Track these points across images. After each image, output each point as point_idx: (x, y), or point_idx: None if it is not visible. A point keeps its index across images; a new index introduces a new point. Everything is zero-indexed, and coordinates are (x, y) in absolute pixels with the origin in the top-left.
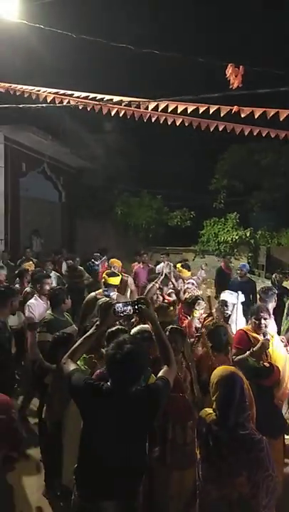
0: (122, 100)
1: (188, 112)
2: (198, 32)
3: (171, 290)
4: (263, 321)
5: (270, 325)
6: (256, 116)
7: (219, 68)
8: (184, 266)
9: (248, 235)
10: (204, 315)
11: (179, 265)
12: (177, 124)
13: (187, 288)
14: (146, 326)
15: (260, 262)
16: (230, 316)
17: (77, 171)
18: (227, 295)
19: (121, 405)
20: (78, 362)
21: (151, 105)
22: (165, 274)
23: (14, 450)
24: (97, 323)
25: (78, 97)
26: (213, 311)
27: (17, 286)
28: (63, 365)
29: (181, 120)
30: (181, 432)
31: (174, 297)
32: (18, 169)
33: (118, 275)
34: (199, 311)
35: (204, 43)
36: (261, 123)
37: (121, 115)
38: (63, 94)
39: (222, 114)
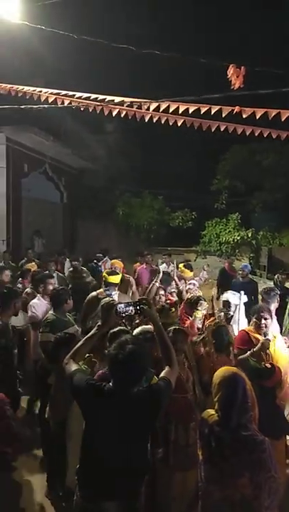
0: (123, 101)
1: (190, 112)
2: (199, 32)
3: (173, 289)
4: (263, 321)
5: (273, 325)
6: (258, 117)
7: (220, 69)
8: (186, 266)
9: (249, 235)
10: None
11: (181, 265)
12: (178, 125)
13: (189, 289)
14: (149, 326)
15: (262, 262)
16: (232, 316)
17: (79, 171)
18: (230, 296)
19: (123, 406)
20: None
21: (153, 106)
22: (168, 273)
23: (9, 446)
24: (99, 323)
25: (80, 98)
26: (216, 311)
27: (19, 286)
28: (65, 365)
29: (182, 121)
30: (184, 433)
31: (176, 297)
32: (20, 170)
33: (118, 273)
34: (201, 312)
35: (205, 44)
36: (263, 123)
37: (122, 116)
38: (65, 95)
39: (223, 115)
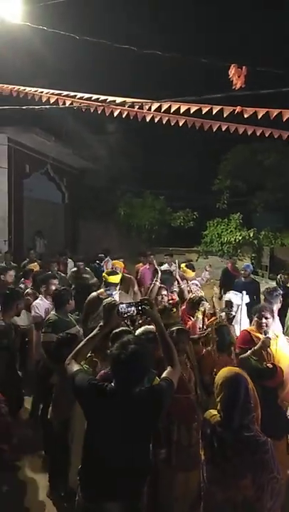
0: (125, 101)
1: (191, 112)
2: (200, 33)
3: (175, 289)
4: (264, 320)
5: (276, 325)
6: (259, 117)
7: (222, 69)
8: (188, 266)
9: (251, 235)
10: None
11: (183, 265)
12: (180, 125)
13: (191, 289)
14: (151, 326)
15: (264, 262)
16: (234, 316)
17: (80, 172)
18: (232, 296)
19: (125, 406)
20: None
21: (154, 106)
22: (170, 273)
23: (5, 443)
24: (101, 324)
25: (81, 99)
26: (217, 310)
27: (21, 286)
28: (67, 365)
29: (184, 121)
30: (186, 433)
31: (177, 297)
32: (22, 170)
33: (118, 273)
34: (201, 312)
35: (207, 44)
36: (264, 123)
37: (124, 116)
38: (66, 96)
39: (225, 115)
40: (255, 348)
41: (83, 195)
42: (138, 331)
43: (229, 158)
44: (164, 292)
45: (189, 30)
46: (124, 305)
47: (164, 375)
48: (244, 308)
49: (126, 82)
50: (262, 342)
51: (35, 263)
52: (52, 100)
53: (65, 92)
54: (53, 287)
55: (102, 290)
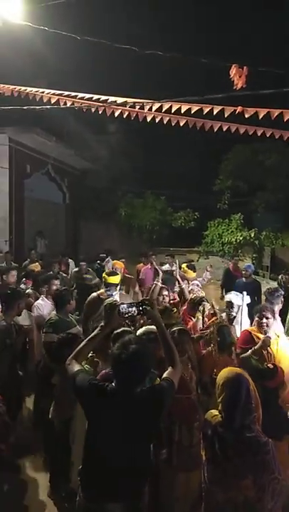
0: (126, 101)
1: (192, 112)
2: (201, 33)
3: (176, 289)
4: (265, 320)
5: (277, 325)
6: (260, 117)
7: (223, 69)
8: (189, 266)
9: (252, 235)
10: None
11: (184, 266)
12: (181, 125)
13: (192, 289)
14: (152, 327)
15: (265, 262)
16: (235, 317)
17: (82, 172)
18: (232, 296)
19: (126, 406)
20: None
21: (155, 106)
22: (171, 273)
23: (2, 442)
24: (102, 324)
25: (82, 99)
26: (216, 310)
27: (22, 287)
28: (68, 366)
29: (185, 121)
30: (188, 433)
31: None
32: (23, 170)
33: (117, 274)
34: (204, 313)
35: (208, 44)
36: (265, 123)
37: (125, 116)
38: (67, 96)
39: (226, 115)
40: (256, 347)
41: (84, 196)
42: (139, 331)
43: (230, 158)
44: (165, 293)
45: (190, 30)
46: (125, 305)
47: (164, 375)
48: (245, 309)
49: (127, 82)
50: (262, 341)
51: (37, 263)
52: (53, 100)
53: (66, 92)
54: (54, 287)
55: (102, 291)
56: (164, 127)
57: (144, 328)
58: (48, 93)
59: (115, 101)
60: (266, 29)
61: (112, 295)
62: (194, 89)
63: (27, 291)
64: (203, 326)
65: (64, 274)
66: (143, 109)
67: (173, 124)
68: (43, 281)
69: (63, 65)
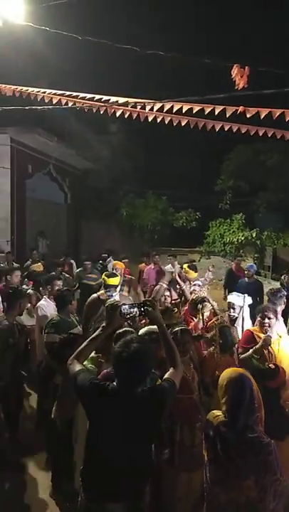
0: (127, 101)
1: (194, 112)
2: (203, 33)
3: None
4: (267, 320)
5: (280, 326)
6: (262, 117)
7: (224, 69)
8: (190, 267)
9: (253, 235)
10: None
11: (185, 266)
12: (182, 125)
13: (194, 290)
14: (155, 327)
15: (266, 263)
16: (236, 318)
17: (83, 172)
18: (234, 297)
19: (126, 405)
20: (86, 361)
21: (157, 106)
22: (170, 273)
23: None
24: (104, 324)
25: (83, 99)
26: (217, 310)
27: (25, 287)
28: (69, 366)
29: (186, 121)
30: (189, 433)
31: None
32: (25, 171)
33: (117, 276)
34: (205, 313)
35: (209, 44)
36: (267, 123)
37: (126, 116)
38: (69, 96)
39: (228, 115)
40: (257, 346)
41: (86, 196)
42: (141, 331)
43: (232, 158)
44: (167, 293)
45: (191, 30)
46: (126, 306)
47: (166, 376)
48: (247, 310)
49: (128, 83)
50: (263, 340)
51: (39, 263)
52: (54, 101)
53: (68, 93)
54: (57, 288)
55: (102, 291)
56: (165, 127)
57: (146, 328)
58: (49, 93)
59: (117, 101)
60: (268, 29)
61: (111, 296)
62: (196, 89)
63: (28, 291)
64: (203, 325)
65: (67, 275)
66: (144, 109)
67: (174, 124)
68: (45, 281)
69: (65, 65)
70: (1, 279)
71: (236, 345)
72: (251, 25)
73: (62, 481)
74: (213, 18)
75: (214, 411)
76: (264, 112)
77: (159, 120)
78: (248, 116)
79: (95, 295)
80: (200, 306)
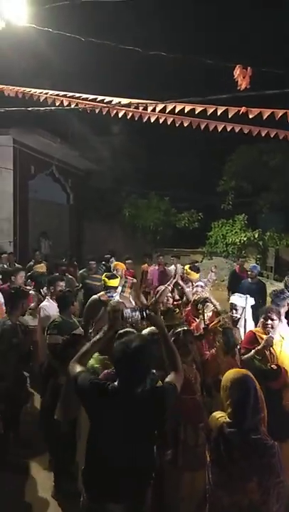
0: (130, 102)
1: (196, 113)
2: (205, 33)
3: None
4: (269, 321)
5: (283, 327)
6: (264, 117)
7: (226, 70)
8: (192, 268)
9: (256, 236)
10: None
11: (187, 267)
12: (185, 126)
13: (196, 291)
14: None
15: (269, 263)
16: (239, 319)
17: (85, 173)
18: (236, 298)
19: (127, 405)
20: (92, 361)
21: (159, 107)
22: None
23: None
24: (105, 327)
25: (86, 100)
26: (216, 307)
27: (28, 287)
28: (70, 368)
29: (189, 122)
30: (193, 433)
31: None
32: (27, 172)
33: (117, 277)
34: (207, 314)
35: (211, 45)
36: (269, 124)
37: (128, 117)
38: (71, 97)
39: (230, 115)
40: (259, 347)
41: (88, 197)
42: (143, 332)
43: (234, 158)
44: (169, 294)
45: (193, 31)
46: (128, 310)
47: (167, 379)
48: (249, 311)
49: (130, 83)
50: (265, 341)
51: (42, 264)
52: (57, 102)
53: (70, 94)
54: (59, 289)
55: (103, 293)
56: (168, 128)
57: (148, 329)
58: (52, 94)
59: (119, 102)
60: (270, 29)
61: (112, 297)
62: (198, 89)
63: (30, 292)
64: (205, 325)
65: (70, 276)
66: (147, 109)
67: (177, 125)
68: (48, 282)
69: (67, 66)
70: (5, 280)
71: (238, 347)
72: (253, 25)
73: (65, 481)
74: (215, 18)
75: (217, 412)
76: (266, 113)
77: (161, 121)
78: (250, 116)
79: (95, 296)
80: (200, 306)
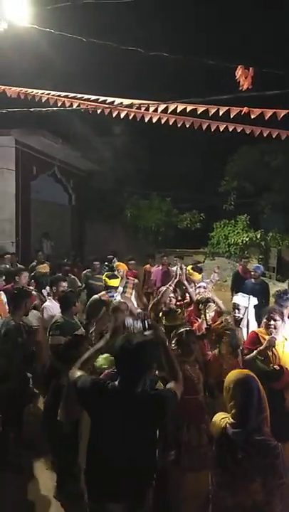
0: (132, 103)
1: (198, 113)
2: (207, 34)
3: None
4: (272, 322)
5: (286, 328)
6: (266, 118)
7: (228, 70)
8: (194, 269)
9: (258, 236)
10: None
11: (189, 268)
12: (186, 126)
13: (198, 292)
14: (161, 328)
15: (271, 264)
16: (241, 319)
17: (87, 174)
18: (239, 298)
19: (127, 405)
20: (101, 361)
21: (161, 107)
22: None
23: None
24: (108, 336)
25: (88, 100)
26: (221, 305)
27: (30, 288)
28: (70, 374)
29: (190, 122)
30: (196, 433)
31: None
32: (29, 172)
33: (118, 277)
34: (209, 314)
35: (213, 45)
36: (271, 124)
37: (130, 118)
38: (73, 98)
39: (232, 116)
40: (261, 348)
41: (90, 197)
42: (147, 332)
43: (236, 159)
44: (172, 294)
45: (195, 32)
46: (130, 319)
47: (167, 386)
48: (252, 311)
49: (132, 84)
50: (267, 341)
51: (45, 264)
52: (59, 102)
53: (72, 94)
54: (62, 289)
55: (103, 292)
56: (169, 129)
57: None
58: (53, 95)
59: (121, 103)
60: (272, 30)
61: (113, 296)
62: (200, 90)
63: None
64: (207, 325)
65: (73, 276)
66: (148, 110)
67: (179, 126)
68: (50, 282)
69: (69, 67)
70: (9, 281)
71: (241, 347)
72: (255, 26)
73: (67, 482)
74: (217, 19)
75: (220, 413)
76: (268, 113)
77: (163, 121)
78: (252, 117)
79: (96, 296)
80: (202, 306)
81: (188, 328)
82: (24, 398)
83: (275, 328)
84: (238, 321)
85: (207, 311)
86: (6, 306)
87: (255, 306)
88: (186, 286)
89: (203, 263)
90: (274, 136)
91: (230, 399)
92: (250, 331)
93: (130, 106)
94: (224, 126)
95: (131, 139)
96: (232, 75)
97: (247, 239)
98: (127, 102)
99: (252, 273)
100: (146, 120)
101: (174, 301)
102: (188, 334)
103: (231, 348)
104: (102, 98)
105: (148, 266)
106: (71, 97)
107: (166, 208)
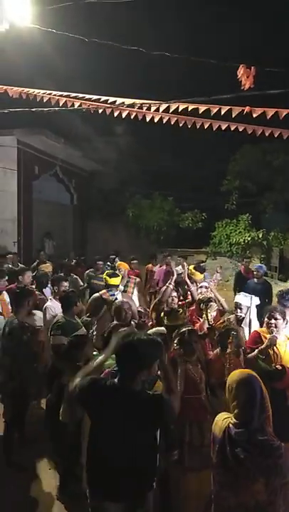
0: (134, 103)
1: (200, 112)
2: (208, 33)
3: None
4: (273, 321)
5: (288, 328)
6: (268, 117)
7: (230, 69)
8: (196, 268)
9: (260, 236)
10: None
11: (191, 267)
12: (188, 126)
13: (200, 292)
14: (162, 328)
15: (273, 263)
16: (243, 318)
17: (89, 173)
18: (241, 297)
19: (126, 404)
20: (111, 361)
21: (163, 107)
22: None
23: None
24: (107, 350)
25: (90, 100)
26: (223, 303)
27: (34, 287)
28: (71, 385)
29: (192, 121)
30: (198, 433)
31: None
32: (31, 172)
33: (118, 275)
34: (211, 314)
35: (215, 45)
36: (273, 123)
37: (132, 117)
38: (75, 98)
39: (234, 115)
40: (262, 346)
41: (92, 197)
42: (150, 331)
43: (238, 158)
44: (174, 294)
45: (197, 31)
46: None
47: (165, 396)
48: (254, 310)
49: (134, 84)
50: (268, 340)
51: (47, 264)
52: (61, 102)
53: (74, 94)
54: (63, 289)
55: (104, 291)
56: (171, 128)
57: (153, 330)
58: (55, 95)
59: (123, 102)
60: (273, 29)
61: (113, 295)
62: (202, 89)
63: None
64: (209, 325)
65: (75, 276)
66: (150, 110)
67: (180, 125)
68: (52, 282)
69: (71, 66)
70: (12, 280)
71: (243, 347)
72: (257, 25)
73: (70, 482)
74: (219, 18)
75: (223, 413)
76: (270, 112)
77: (165, 121)
78: (254, 116)
79: (97, 294)
80: (203, 306)
81: (190, 328)
82: (28, 396)
83: (276, 326)
84: (239, 321)
85: (209, 310)
86: (9, 306)
87: (257, 306)
88: (188, 285)
89: (205, 262)
90: (276, 136)
91: (232, 399)
92: (252, 330)
93: (132, 105)
94: (226, 125)
95: (133, 139)
96: (234, 75)
97: (249, 238)
98: (128, 101)
99: (254, 273)
100: (148, 120)
101: (176, 300)
102: (190, 334)
103: (235, 347)
104: (103, 98)
105: (150, 265)
106: (73, 97)
107: (168, 208)
